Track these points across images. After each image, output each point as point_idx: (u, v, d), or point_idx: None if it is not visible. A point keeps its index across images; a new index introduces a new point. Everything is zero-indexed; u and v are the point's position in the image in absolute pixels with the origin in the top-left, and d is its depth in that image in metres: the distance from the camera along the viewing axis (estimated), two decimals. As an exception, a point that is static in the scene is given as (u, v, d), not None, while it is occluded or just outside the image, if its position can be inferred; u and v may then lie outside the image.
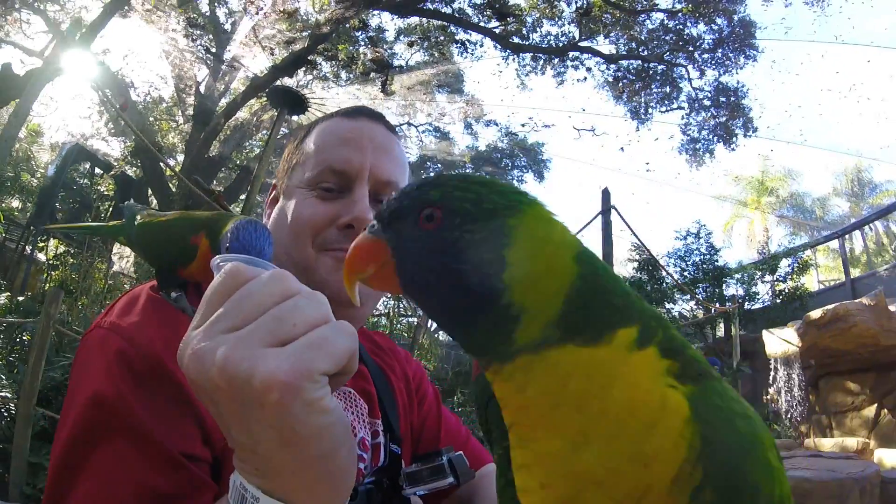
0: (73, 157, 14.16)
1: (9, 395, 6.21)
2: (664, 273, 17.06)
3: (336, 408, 0.53)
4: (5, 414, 6.12)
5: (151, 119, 16.21)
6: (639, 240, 12.73)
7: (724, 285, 18.00)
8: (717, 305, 15.98)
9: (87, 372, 0.80)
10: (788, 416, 12.99)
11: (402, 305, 16.20)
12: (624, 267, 22.16)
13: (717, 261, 18.14)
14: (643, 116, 18.01)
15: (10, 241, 13.88)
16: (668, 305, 18.25)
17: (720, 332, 17.38)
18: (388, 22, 17.01)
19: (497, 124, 21.34)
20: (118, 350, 0.78)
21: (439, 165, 22.05)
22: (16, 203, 16.26)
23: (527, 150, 21.72)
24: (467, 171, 21.77)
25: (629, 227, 11.18)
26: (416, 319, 13.64)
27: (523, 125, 20.03)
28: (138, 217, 0.98)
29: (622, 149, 21.26)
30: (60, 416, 0.81)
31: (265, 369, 0.48)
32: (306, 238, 0.97)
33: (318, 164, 1.00)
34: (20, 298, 9.10)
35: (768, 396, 13.76)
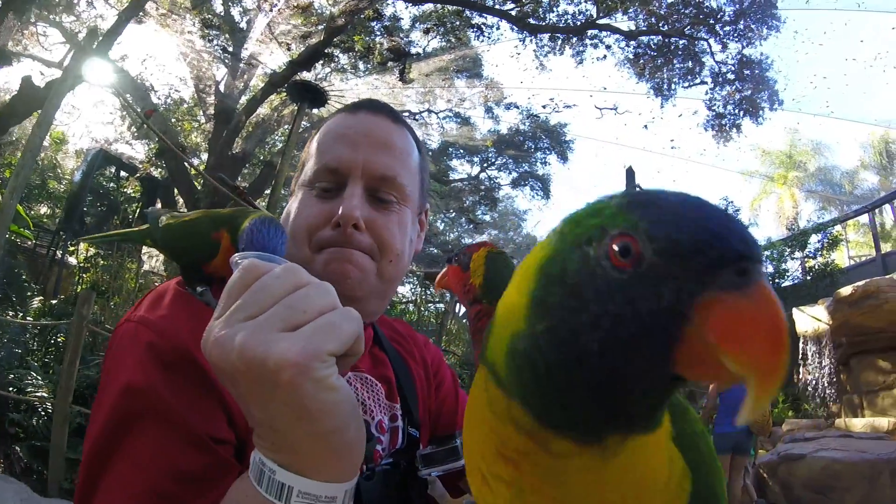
0: (98, 162, 14.39)
1: (45, 395, 6.36)
2: None
3: (344, 386, 0.59)
4: (42, 413, 6.28)
5: (173, 120, 16.35)
6: None
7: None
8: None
9: (119, 364, 0.84)
10: (818, 395, 12.76)
11: (429, 292, 16.20)
12: None
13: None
14: (666, 93, 17.62)
15: (41, 246, 14.23)
16: None
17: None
18: (402, 10, 16.86)
19: (518, 107, 21.08)
20: (148, 342, 0.82)
21: (461, 151, 22.01)
22: (44, 209, 16.64)
23: (549, 131, 21.35)
24: (490, 155, 21.72)
25: None
26: (443, 305, 13.66)
27: (544, 106, 19.80)
28: (162, 219, 1.03)
29: (646, 127, 20.90)
30: (93, 407, 0.85)
31: (278, 351, 0.54)
32: (304, 238, 0.99)
33: (316, 164, 1.01)
34: (53, 302, 9.29)
35: (798, 375, 13.55)
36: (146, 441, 0.76)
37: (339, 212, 0.95)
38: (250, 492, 0.62)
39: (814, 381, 12.89)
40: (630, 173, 10.22)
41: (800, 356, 13.09)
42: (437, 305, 15.44)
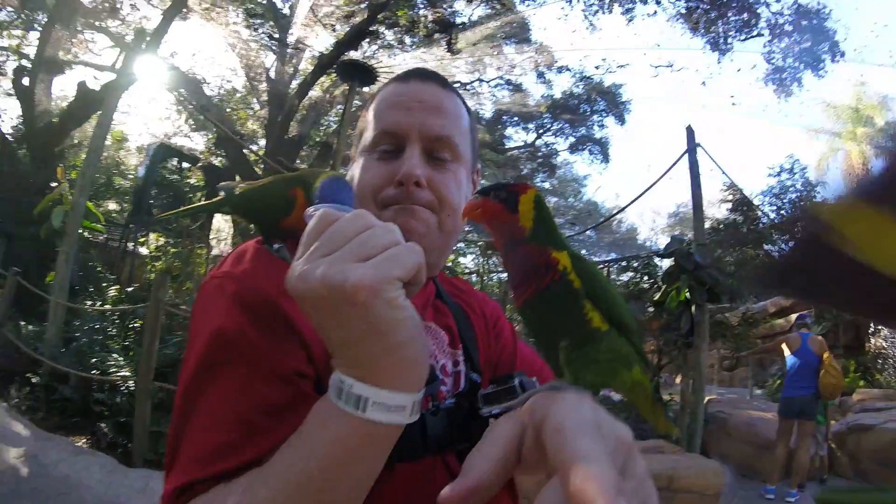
0: (160, 156, 14.72)
1: (127, 374, 6.61)
2: (759, 213, 16.15)
3: (409, 307, 0.66)
4: (125, 391, 6.52)
5: (228, 110, 16.60)
6: (729, 178, 11.94)
7: (824, 224, 16.85)
8: (818, 245, 14.90)
9: (207, 314, 0.90)
10: (891, 364, 12.24)
11: (491, 262, 16.14)
12: (717, 208, 21.12)
13: (815, 197, 17.09)
14: (722, 47, 16.88)
15: (113, 240, 14.86)
16: (766, 247, 17.27)
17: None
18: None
19: (570, 70, 20.42)
20: (234, 291, 0.89)
21: (515, 118, 21.51)
22: (113, 206, 17.23)
23: (604, 93, 20.67)
24: (545, 121, 21.27)
25: (718, 165, 10.55)
26: (506, 275, 13.61)
27: (597, 67, 19.31)
28: (237, 189, 1.14)
29: (704, 83, 20.24)
30: (183, 358, 0.91)
31: (354, 277, 0.61)
32: (369, 197, 1.07)
33: (374, 130, 1.09)
34: (128, 290, 9.59)
35: (869, 344, 12.98)
36: (235, 378, 0.82)
37: (402, 171, 1.02)
38: (330, 409, 0.68)
39: (885, 350, 12.34)
40: (690, 132, 9.76)
41: (871, 325, 12.57)
42: (501, 276, 15.40)
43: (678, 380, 11.08)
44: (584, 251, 23.82)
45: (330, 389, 0.69)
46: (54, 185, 9.44)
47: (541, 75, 20.12)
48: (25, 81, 13.03)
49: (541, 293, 0.79)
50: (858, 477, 7.85)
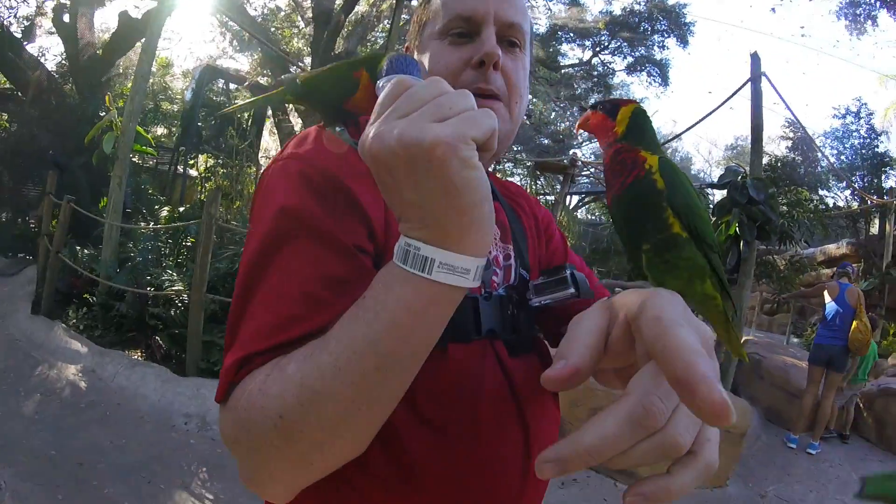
0: (206, 79, 14.66)
1: (181, 288, 6.76)
2: (819, 155, 15.26)
3: (482, 168, 0.64)
4: (179, 304, 6.68)
5: (273, 29, 16.27)
6: (793, 114, 10.97)
7: (883, 176, 16.02)
8: (875, 198, 14.23)
9: (270, 195, 0.89)
10: None
11: (540, 183, 15.68)
12: (776, 145, 20.19)
13: (877, 146, 16.19)
14: (795, -31, 15.51)
15: (163, 164, 15.20)
16: (821, 192, 16.31)
17: (874, 228, 15.46)
18: None
19: (631, -17, 19.21)
20: (298, 170, 0.88)
21: (571, 34, 20.31)
22: (161, 130, 17.47)
23: (667, 11, 19.33)
24: (602, 38, 20.12)
25: (782, 98, 9.70)
26: (553, 197, 13.36)
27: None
28: (298, 79, 1.07)
29: (773, 10, 18.89)
30: (247, 236, 0.91)
31: (432, 134, 0.60)
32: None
33: (446, 15, 1.07)
34: (180, 209, 9.76)
35: None
36: (298, 252, 0.82)
37: (483, 50, 1.01)
38: (395, 273, 0.68)
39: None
40: (755, 59, 9.00)
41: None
42: (548, 197, 15.02)
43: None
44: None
45: (395, 255, 0.69)
46: (103, 115, 9.50)
47: (599, -12, 19.03)
48: (66, 18, 13.03)
49: (626, 188, 0.89)
50: (882, 442, 7.70)
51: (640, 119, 0.95)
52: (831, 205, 16.17)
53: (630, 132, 0.94)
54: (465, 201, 0.63)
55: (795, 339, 13.90)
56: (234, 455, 0.76)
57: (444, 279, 0.66)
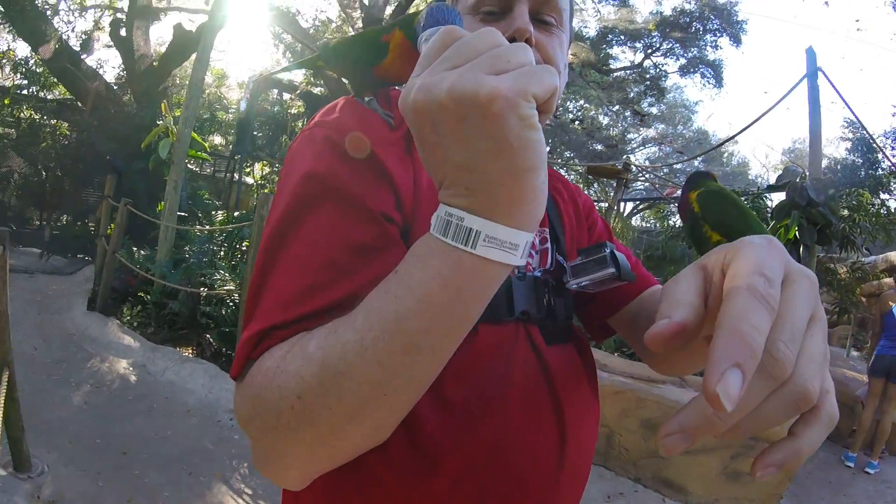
0: (260, 89, 15.00)
1: (232, 288, 6.92)
2: (880, 156, 14.60)
3: (541, 130, 0.58)
4: (230, 304, 6.81)
5: (324, 39, 16.55)
6: (852, 112, 10.47)
7: (949, 177, 15.13)
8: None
9: (298, 160, 0.86)
10: None
11: (594, 189, 15.41)
12: (835, 147, 19.49)
13: None
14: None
15: (219, 171, 15.60)
16: (882, 196, 15.56)
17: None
18: None
19: (681, -17, 18.72)
20: (325, 136, 0.85)
21: (622, 37, 19.97)
22: (217, 139, 17.98)
23: (718, 10, 18.79)
24: (653, 40, 19.75)
25: (840, 95, 9.25)
26: (605, 203, 13.10)
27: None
28: (330, 45, 1.07)
29: (826, 3, 18.27)
30: (273, 200, 0.87)
31: (489, 85, 0.53)
32: None
33: None
34: (235, 214, 10.08)
35: None
36: (323, 218, 0.78)
37: (514, 26, 0.97)
38: (433, 245, 0.62)
39: None
40: (810, 54, 8.65)
41: None
42: (601, 204, 14.84)
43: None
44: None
45: (433, 227, 0.63)
46: (159, 122, 9.83)
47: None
48: (122, 32, 13.60)
49: (685, 222, 1.38)
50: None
51: (703, 198, 1.33)
52: (894, 209, 15.54)
53: (702, 210, 1.33)
54: (522, 165, 0.57)
55: (856, 353, 13.44)
56: (248, 436, 0.72)
57: (489, 254, 0.60)
